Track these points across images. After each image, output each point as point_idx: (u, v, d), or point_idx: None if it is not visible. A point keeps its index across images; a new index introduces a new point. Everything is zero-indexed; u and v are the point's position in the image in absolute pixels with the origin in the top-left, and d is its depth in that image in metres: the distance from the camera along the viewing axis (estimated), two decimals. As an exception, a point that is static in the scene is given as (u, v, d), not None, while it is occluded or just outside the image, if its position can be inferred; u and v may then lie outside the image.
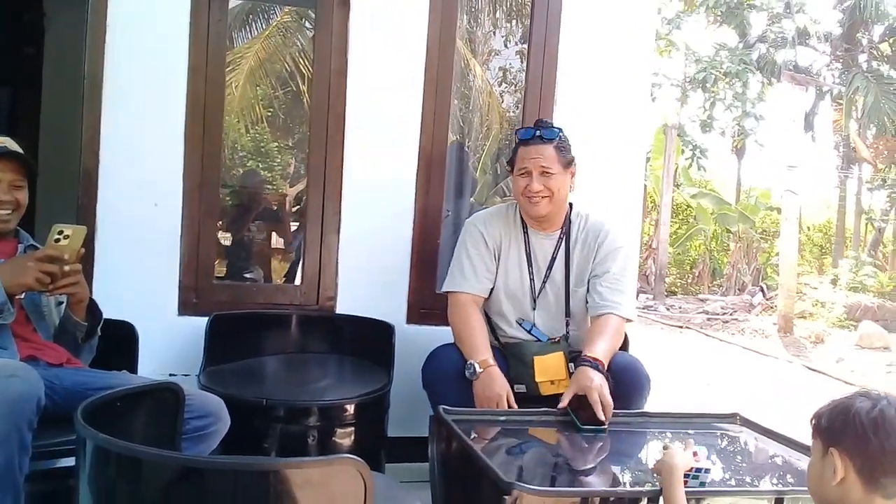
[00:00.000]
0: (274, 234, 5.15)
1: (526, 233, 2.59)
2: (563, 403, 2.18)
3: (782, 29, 16.51)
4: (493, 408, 2.27)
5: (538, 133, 2.50)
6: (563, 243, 2.57)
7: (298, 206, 5.76)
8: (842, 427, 1.29)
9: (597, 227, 2.58)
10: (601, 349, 2.32)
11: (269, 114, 7.11)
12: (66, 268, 1.88)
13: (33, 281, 1.81)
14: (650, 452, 2.13)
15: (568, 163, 2.51)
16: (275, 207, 5.59)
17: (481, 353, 2.37)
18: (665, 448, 1.66)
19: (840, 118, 16.35)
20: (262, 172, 7.01)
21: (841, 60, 16.79)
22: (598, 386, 2.17)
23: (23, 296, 1.93)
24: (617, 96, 3.21)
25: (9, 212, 1.98)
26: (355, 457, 1.22)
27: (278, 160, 7.30)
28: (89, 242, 2.62)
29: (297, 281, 4.20)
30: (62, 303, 2.06)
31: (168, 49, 2.70)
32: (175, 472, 1.22)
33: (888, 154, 15.62)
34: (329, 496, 1.21)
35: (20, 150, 2.02)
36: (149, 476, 1.25)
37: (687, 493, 1.62)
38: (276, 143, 7.20)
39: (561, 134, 2.51)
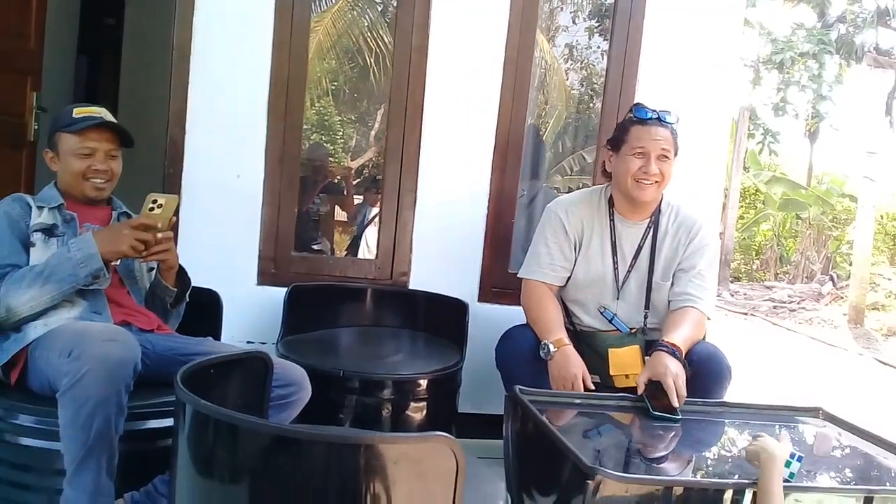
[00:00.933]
0: (338, 208, 5.21)
1: (612, 220, 2.52)
2: (640, 389, 2.15)
3: (863, 8, 15.78)
4: (568, 388, 2.24)
5: (658, 115, 2.42)
6: (652, 233, 2.50)
7: (359, 179, 5.82)
8: None
9: (689, 221, 2.50)
10: (680, 336, 2.27)
11: (334, 87, 7.16)
12: (160, 235, 1.93)
13: (128, 248, 1.87)
14: (732, 443, 2.09)
15: (677, 150, 2.45)
16: (338, 181, 5.64)
17: (556, 333, 2.34)
18: (758, 437, 1.61)
19: (922, 102, 15.61)
20: (326, 146, 7.09)
21: (927, 42, 16.00)
22: (673, 372, 2.12)
23: (118, 262, 1.99)
24: (701, 80, 3.13)
25: (104, 180, 2.03)
26: (449, 434, 1.22)
27: (340, 133, 7.36)
28: (177, 213, 2.70)
29: (362, 254, 4.28)
30: (153, 269, 2.12)
31: (253, 22, 2.74)
32: (271, 440, 1.25)
33: (974, 142, 14.85)
34: (421, 472, 1.22)
35: (115, 121, 2.07)
36: (245, 443, 1.28)
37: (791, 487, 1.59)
38: (339, 117, 7.26)
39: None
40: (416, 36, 2.88)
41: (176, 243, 2.59)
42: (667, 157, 2.41)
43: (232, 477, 1.29)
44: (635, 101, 2.83)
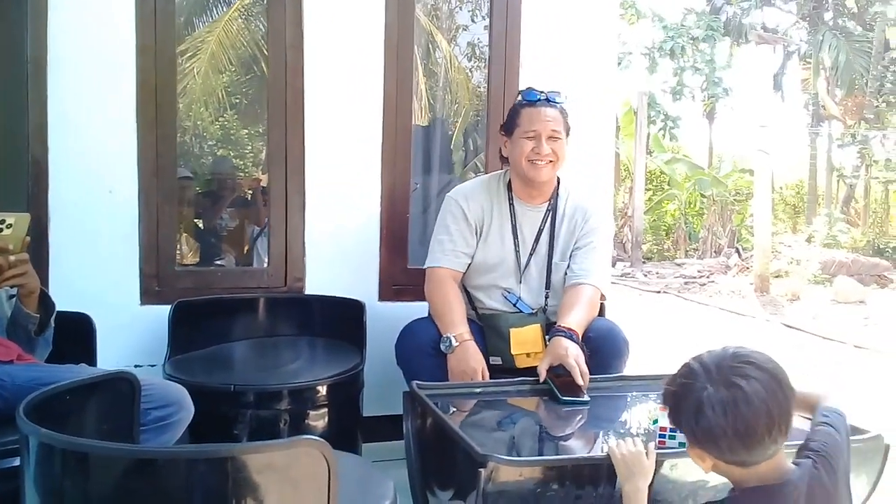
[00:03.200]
0: (246, 221, 5.08)
1: (512, 204, 2.52)
2: (542, 376, 2.14)
3: (749, -9, 16.49)
4: (467, 381, 2.22)
5: (546, 96, 2.45)
6: (550, 216, 2.52)
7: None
8: (693, 427, 1.27)
9: (583, 204, 2.54)
10: (575, 319, 2.29)
11: (236, 100, 6.98)
12: (12, 258, 1.78)
13: (-23, 274, 1.72)
14: (632, 417, 2.09)
15: (568, 130, 2.47)
16: (247, 194, 5.53)
17: (458, 327, 2.33)
18: (616, 444, 1.56)
19: (809, 77, 16.41)
20: (234, 160, 6.92)
21: (808, 19, 16.82)
22: (573, 354, 2.14)
23: (-33, 291, 1.84)
24: (582, 64, 3.15)
25: (-51, 204, 1.88)
26: (316, 437, 1.16)
27: (249, 147, 7.18)
28: (43, 234, 2.53)
29: (256, 264, 4.15)
30: (13, 296, 1.97)
31: (114, 29, 2.59)
32: (125, 464, 1.15)
33: (857, 110, 15.71)
34: (291, 480, 1.15)
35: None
36: (97, 470, 1.17)
37: (666, 452, 1.59)
38: (246, 130, 7.08)
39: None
40: (290, 33, 2.79)
41: (46, 269, 2.46)
42: (558, 136, 2.43)
43: (88, 510, 1.18)
44: (523, 87, 2.84)
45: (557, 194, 2.54)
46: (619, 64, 13.53)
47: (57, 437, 1.15)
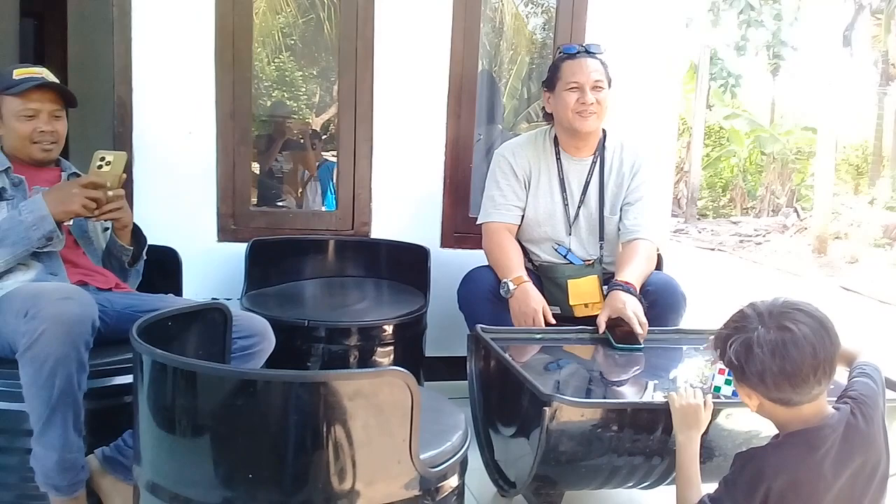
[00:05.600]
0: (301, 163, 5.18)
1: (559, 158, 2.56)
2: (601, 328, 2.21)
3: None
4: (529, 324, 2.30)
5: (585, 48, 2.48)
6: (598, 168, 2.55)
7: (326, 135, 5.78)
8: (743, 364, 1.33)
9: (631, 155, 2.56)
10: (633, 273, 2.33)
11: (291, 42, 7.02)
12: (110, 193, 1.91)
13: (79, 207, 1.85)
14: (688, 369, 2.16)
15: (610, 81, 2.49)
16: (301, 136, 5.60)
17: (515, 271, 2.40)
18: (677, 394, 1.63)
19: (879, 33, 15.70)
20: (287, 103, 6.98)
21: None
22: (632, 306, 2.20)
23: (70, 222, 1.98)
24: (650, 17, 3.13)
25: (51, 142, 2.01)
26: (402, 369, 1.26)
27: (303, 89, 7.23)
28: (127, 172, 2.66)
29: (332, 207, 4.26)
30: (108, 228, 2.11)
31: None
32: (230, 384, 1.27)
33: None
34: (377, 406, 1.25)
35: (57, 81, 2.03)
36: (204, 389, 1.30)
37: (723, 404, 1.66)
38: (300, 73, 7.13)
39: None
40: (362, -19, 2.83)
41: (130, 202, 2.58)
42: (601, 87, 2.46)
43: (193, 424, 1.31)
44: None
45: (604, 146, 2.56)
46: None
47: (170, 356, 1.27)
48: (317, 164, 5.07)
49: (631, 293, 2.26)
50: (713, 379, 1.73)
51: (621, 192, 2.54)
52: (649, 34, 3.12)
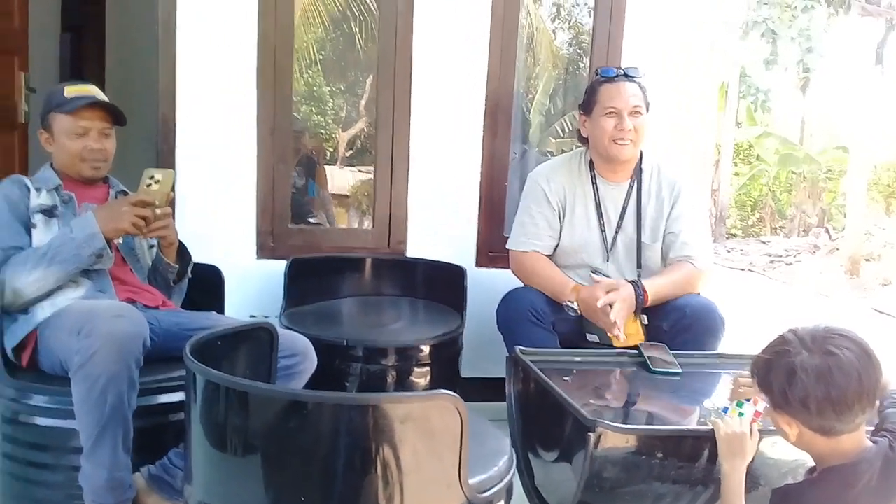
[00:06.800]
0: (330, 179, 5.21)
1: (595, 182, 2.52)
2: (600, 304, 2.23)
3: (854, -43, 15.62)
4: (605, 319, 2.27)
5: (624, 71, 2.44)
6: (635, 193, 2.50)
7: (351, 151, 5.83)
8: (785, 391, 1.31)
9: (671, 179, 2.50)
10: (656, 283, 2.33)
11: (322, 56, 7.08)
12: (158, 211, 1.94)
13: (129, 225, 1.89)
14: (727, 394, 2.13)
15: (648, 105, 2.46)
16: (329, 151, 5.64)
17: (566, 286, 2.38)
18: (716, 420, 1.59)
19: (913, 51, 15.52)
20: (315, 116, 7.03)
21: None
22: (621, 295, 2.22)
23: (119, 240, 2.01)
24: (689, 35, 3.13)
25: (101, 160, 2.05)
26: (452, 393, 1.26)
27: (331, 104, 7.29)
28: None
29: (365, 224, 4.29)
30: (153, 246, 2.14)
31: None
32: (281, 405, 1.28)
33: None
34: (428, 430, 1.26)
35: (107, 99, 2.08)
36: (256, 410, 1.31)
37: (768, 432, 1.64)
38: (328, 87, 7.18)
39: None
40: (401, 1, 2.86)
41: (174, 219, 2.63)
42: (639, 112, 2.42)
43: (245, 444, 1.32)
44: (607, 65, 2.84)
45: (641, 169, 2.51)
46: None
47: (224, 377, 1.29)
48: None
49: (637, 293, 2.27)
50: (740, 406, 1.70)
51: (662, 218, 2.49)
52: (685, 56, 3.11)
